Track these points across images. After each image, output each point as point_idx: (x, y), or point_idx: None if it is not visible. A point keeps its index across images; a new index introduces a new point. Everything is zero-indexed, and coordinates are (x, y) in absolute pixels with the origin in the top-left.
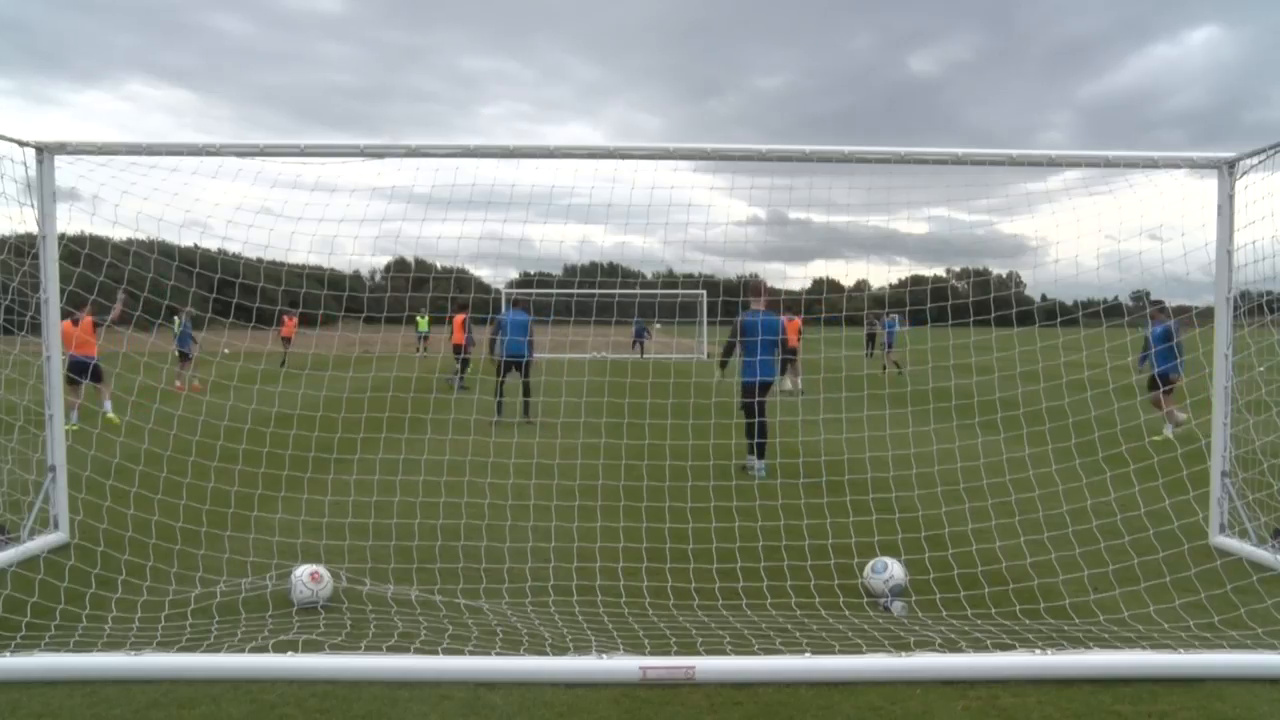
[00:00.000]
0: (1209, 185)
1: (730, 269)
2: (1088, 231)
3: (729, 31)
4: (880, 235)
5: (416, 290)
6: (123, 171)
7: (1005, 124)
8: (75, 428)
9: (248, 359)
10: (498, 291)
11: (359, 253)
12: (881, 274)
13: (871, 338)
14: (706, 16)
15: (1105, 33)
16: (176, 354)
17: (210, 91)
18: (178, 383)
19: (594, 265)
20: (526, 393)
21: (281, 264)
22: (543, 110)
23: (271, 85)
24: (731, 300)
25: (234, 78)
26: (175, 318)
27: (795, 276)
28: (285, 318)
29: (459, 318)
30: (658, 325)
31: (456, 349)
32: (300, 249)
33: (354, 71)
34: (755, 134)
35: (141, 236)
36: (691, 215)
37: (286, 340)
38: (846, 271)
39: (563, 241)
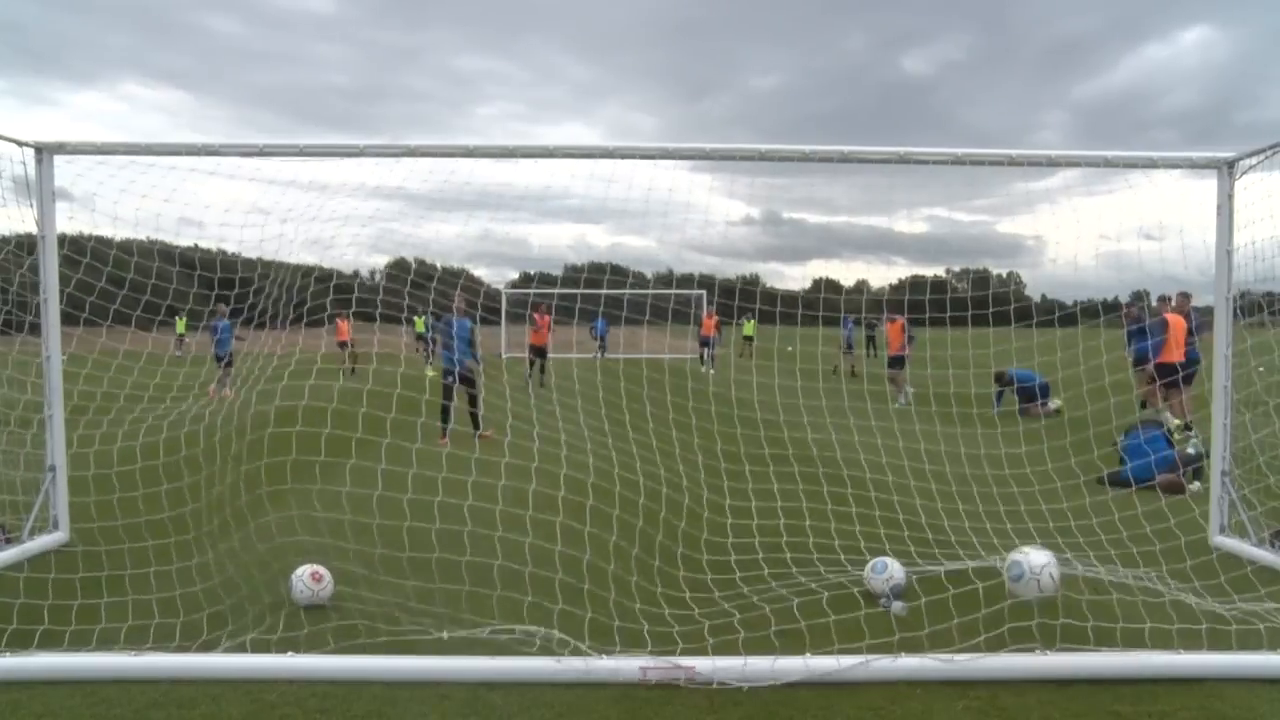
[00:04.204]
0: (1205, 185)
1: (729, 269)
2: (1086, 231)
3: (722, 32)
4: (878, 235)
5: (416, 290)
6: (121, 170)
7: (999, 124)
8: None
9: (248, 360)
10: (497, 291)
11: (358, 253)
12: (880, 274)
13: (872, 339)
14: (698, 16)
15: (1098, 32)
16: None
17: (206, 92)
18: (210, 389)
19: (592, 265)
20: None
21: (283, 264)
22: (537, 110)
23: (266, 86)
24: (728, 302)
25: (229, 78)
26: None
27: (793, 276)
28: (338, 320)
29: (545, 318)
30: (648, 323)
31: (537, 349)
32: (299, 249)
33: (348, 72)
34: (749, 134)
35: (141, 237)
36: (690, 215)
37: (343, 344)
38: (845, 271)
39: (561, 243)
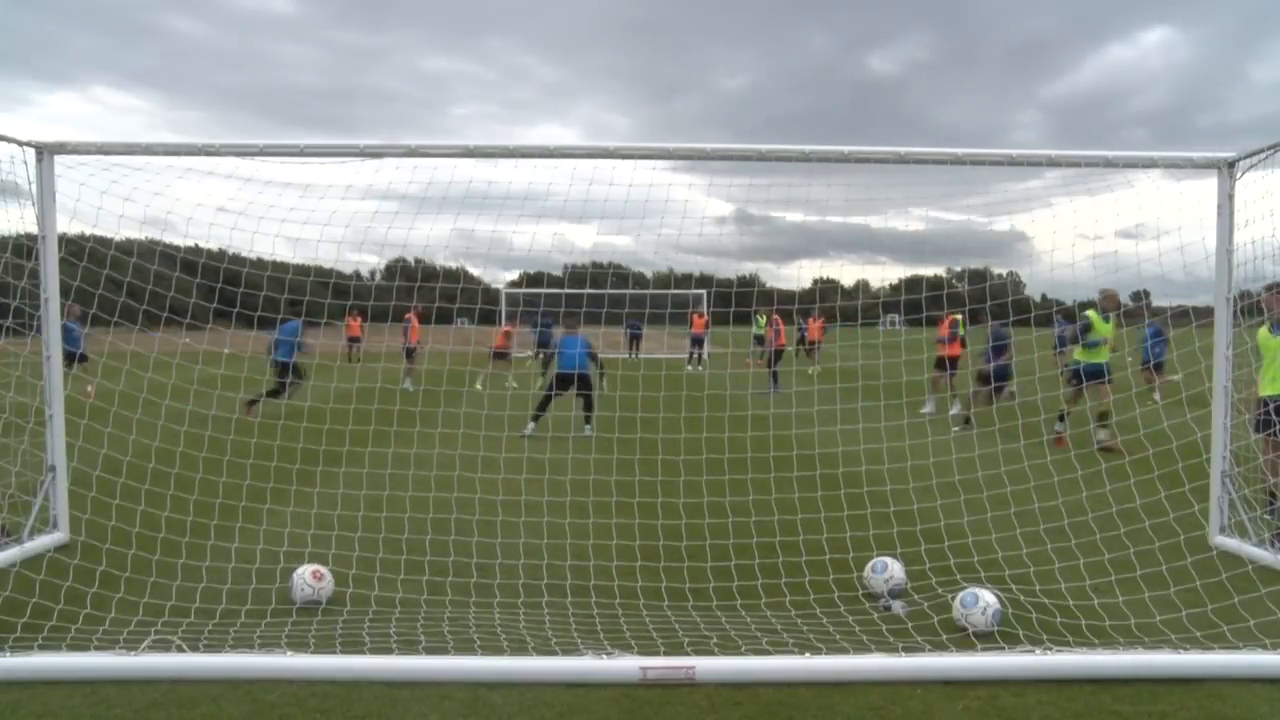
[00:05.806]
0: (1195, 185)
1: (729, 269)
2: (1084, 230)
3: (681, 33)
4: (875, 234)
5: (415, 291)
6: (125, 176)
7: (973, 123)
8: None
9: (252, 363)
10: (496, 291)
11: (356, 253)
12: (878, 273)
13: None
14: (653, 17)
15: (1058, 33)
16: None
17: (179, 93)
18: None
19: (591, 266)
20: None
21: (281, 264)
22: (512, 111)
23: (241, 88)
24: (725, 291)
25: (201, 80)
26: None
27: (789, 277)
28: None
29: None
30: (667, 329)
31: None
32: (298, 250)
33: (318, 72)
34: (724, 134)
35: (142, 237)
36: (686, 217)
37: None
38: (843, 270)
39: (551, 244)
